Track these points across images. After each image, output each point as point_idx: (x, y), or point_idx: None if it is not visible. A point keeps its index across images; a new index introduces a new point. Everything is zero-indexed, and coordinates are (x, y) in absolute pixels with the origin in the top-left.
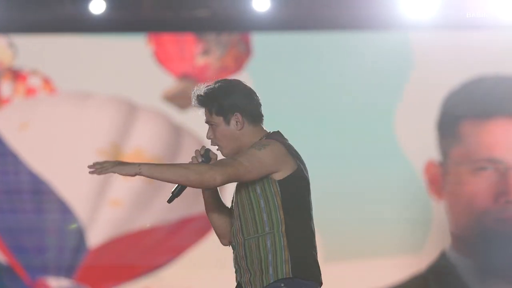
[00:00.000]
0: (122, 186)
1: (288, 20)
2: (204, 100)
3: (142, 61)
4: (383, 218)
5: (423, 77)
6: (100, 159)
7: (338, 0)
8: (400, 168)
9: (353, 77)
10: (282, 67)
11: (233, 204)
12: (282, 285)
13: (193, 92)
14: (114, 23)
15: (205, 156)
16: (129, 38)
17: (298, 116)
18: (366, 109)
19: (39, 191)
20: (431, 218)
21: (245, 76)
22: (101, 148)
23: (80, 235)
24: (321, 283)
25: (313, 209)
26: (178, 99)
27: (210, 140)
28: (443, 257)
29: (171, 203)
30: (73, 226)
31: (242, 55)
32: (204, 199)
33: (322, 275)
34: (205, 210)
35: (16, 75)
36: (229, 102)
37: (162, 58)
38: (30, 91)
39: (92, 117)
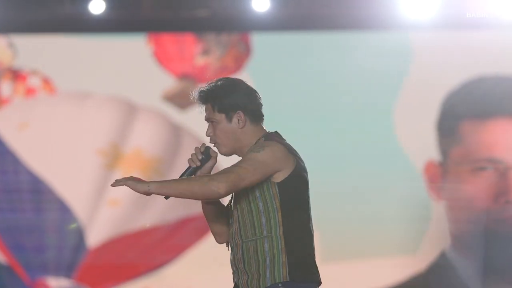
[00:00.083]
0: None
1: (288, 20)
2: (207, 97)
3: (142, 61)
4: (383, 218)
5: (423, 77)
6: (100, 159)
7: (338, 0)
8: (400, 168)
9: (353, 77)
10: (282, 67)
11: (231, 204)
12: (280, 285)
13: (195, 89)
14: (113, 23)
15: (205, 153)
16: (129, 38)
17: (298, 116)
18: (366, 109)
19: (38, 190)
20: (431, 218)
21: (245, 76)
22: (100, 148)
23: (79, 234)
24: (319, 283)
25: (312, 209)
26: (178, 99)
27: (209, 138)
28: (442, 257)
29: (168, 200)
30: (73, 226)
31: (242, 55)
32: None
33: (322, 275)
34: (201, 208)
35: (16, 75)
36: (232, 99)
37: (162, 58)
38: (30, 91)
39: (92, 117)
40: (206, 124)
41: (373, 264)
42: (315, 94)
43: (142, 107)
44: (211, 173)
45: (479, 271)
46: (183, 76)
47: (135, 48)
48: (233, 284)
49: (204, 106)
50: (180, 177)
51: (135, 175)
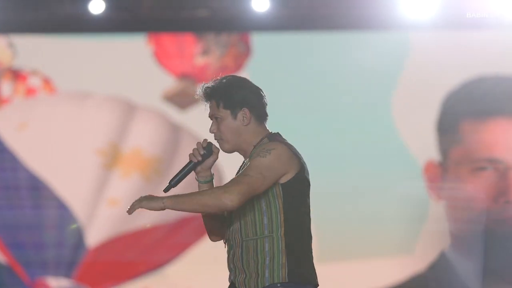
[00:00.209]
0: (120, 186)
1: (288, 20)
2: (213, 93)
3: (142, 61)
4: (383, 218)
5: (423, 77)
6: (99, 158)
7: (338, 0)
8: (400, 168)
9: (353, 77)
10: (282, 67)
11: None
12: (279, 285)
13: (199, 86)
14: (113, 23)
15: (207, 149)
16: (129, 38)
17: (298, 116)
18: (366, 109)
19: (36, 188)
20: (431, 218)
21: (244, 76)
22: (100, 148)
23: (79, 234)
24: (317, 285)
25: (312, 209)
26: (178, 99)
27: (213, 135)
28: (442, 257)
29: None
30: (74, 226)
31: (242, 55)
32: None
33: (322, 275)
34: None
35: (16, 75)
36: (239, 96)
37: (161, 58)
38: (30, 91)
39: (91, 117)
40: (205, 124)
41: (373, 264)
42: (315, 94)
43: (141, 107)
44: (211, 170)
45: (478, 271)
46: (183, 76)
47: (135, 48)
48: (228, 284)
49: (209, 103)
50: (180, 171)
51: (135, 174)
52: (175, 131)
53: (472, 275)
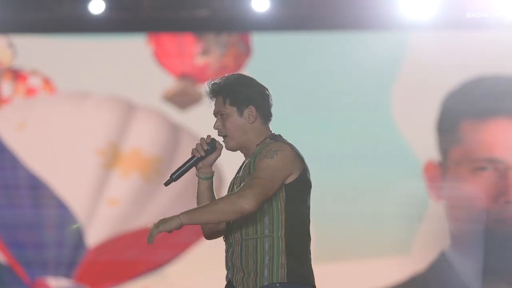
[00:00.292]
0: (120, 185)
1: (288, 20)
2: (220, 89)
3: (141, 61)
4: (382, 218)
5: (423, 77)
6: (99, 158)
7: (338, 0)
8: (400, 168)
9: (353, 77)
10: (282, 67)
11: None
12: (278, 285)
13: (207, 82)
14: (113, 23)
15: (211, 145)
16: (129, 38)
17: (298, 116)
18: (366, 109)
19: (37, 188)
20: (431, 218)
21: None
22: (99, 148)
23: (78, 233)
24: (314, 287)
25: (312, 209)
26: (178, 99)
27: (216, 131)
28: (442, 257)
29: (167, 199)
30: (75, 226)
31: (242, 55)
32: (199, 190)
33: (322, 275)
34: (196, 202)
35: (16, 75)
36: (246, 94)
37: (161, 58)
38: (30, 91)
39: (91, 117)
40: (205, 124)
41: (373, 264)
42: (315, 94)
43: (141, 107)
44: (213, 168)
45: (478, 271)
46: (183, 76)
47: (135, 48)
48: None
49: (214, 100)
50: (182, 165)
51: (135, 174)
52: (175, 131)
53: (472, 275)
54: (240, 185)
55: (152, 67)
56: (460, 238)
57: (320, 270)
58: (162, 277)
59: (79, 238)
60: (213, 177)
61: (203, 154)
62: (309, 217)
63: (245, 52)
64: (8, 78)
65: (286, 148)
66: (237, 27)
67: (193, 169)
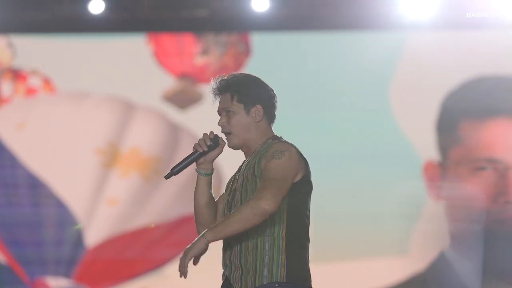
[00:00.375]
0: (119, 185)
1: (288, 20)
2: (228, 86)
3: (141, 61)
4: (382, 218)
5: (423, 77)
6: (98, 158)
7: (337, 0)
8: (400, 168)
9: (353, 77)
10: (282, 67)
11: (229, 199)
12: (276, 285)
13: (214, 79)
14: (113, 23)
15: (214, 140)
16: (129, 38)
17: (298, 116)
18: (366, 109)
19: (36, 187)
20: (430, 218)
21: None
22: (99, 147)
23: (78, 233)
24: None
25: (312, 209)
26: (178, 99)
27: (220, 127)
28: (442, 257)
29: (167, 198)
30: (77, 227)
31: (242, 54)
32: (198, 185)
33: (322, 275)
34: (194, 197)
35: (16, 75)
36: (254, 92)
37: (161, 58)
38: (30, 91)
39: (90, 117)
40: (205, 124)
41: (372, 263)
42: (315, 94)
43: (141, 107)
44: (212, 165)
45: (478, 271)
46: (182, 76)
47: (134, 48)
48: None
49: (219, 97)
50: (184, 159)
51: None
52: (175, 131)
53: (471, 275)
54: (242, 183)
55: (152, 67)
56: (460, 238)
57: (319, 270)
58: (162, 277)
59: (78, 237)
60: (213, 175)
61: (205, 149)
62: (309, 219)
63: (245, 52)
64: (8, 78)
65: (290, 148)
66: (237, 27)
67: (193, 165)
